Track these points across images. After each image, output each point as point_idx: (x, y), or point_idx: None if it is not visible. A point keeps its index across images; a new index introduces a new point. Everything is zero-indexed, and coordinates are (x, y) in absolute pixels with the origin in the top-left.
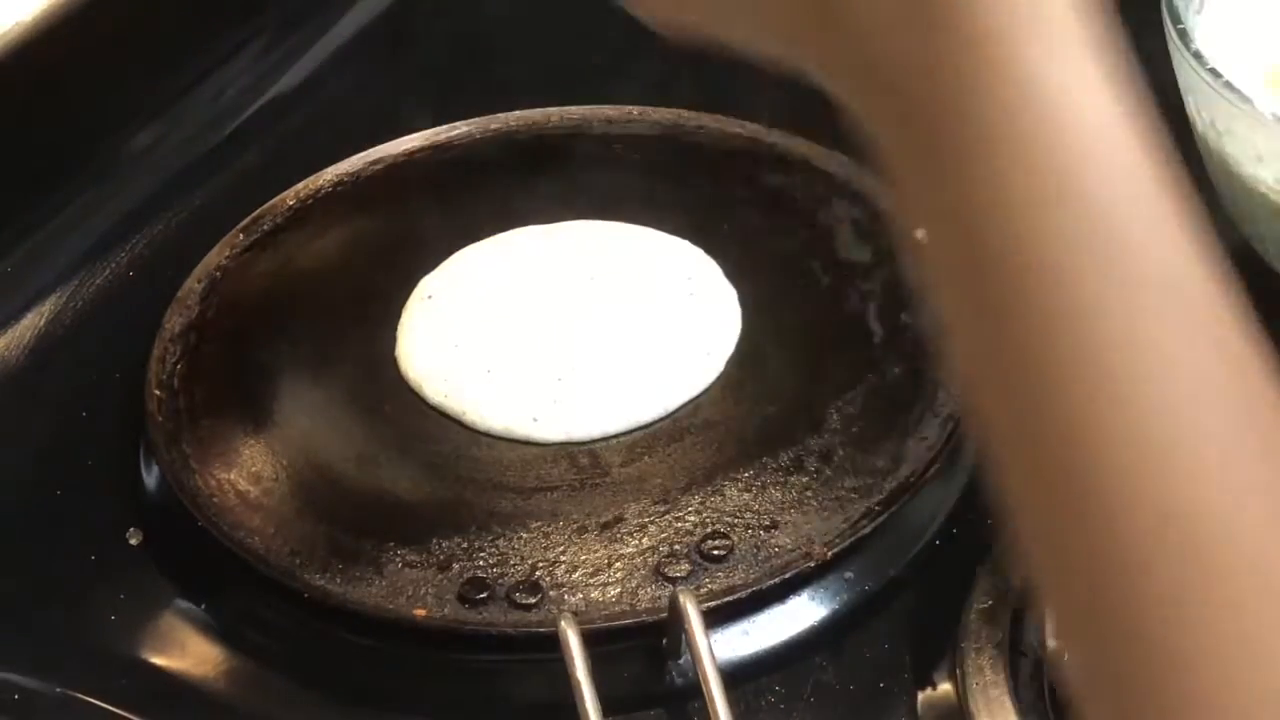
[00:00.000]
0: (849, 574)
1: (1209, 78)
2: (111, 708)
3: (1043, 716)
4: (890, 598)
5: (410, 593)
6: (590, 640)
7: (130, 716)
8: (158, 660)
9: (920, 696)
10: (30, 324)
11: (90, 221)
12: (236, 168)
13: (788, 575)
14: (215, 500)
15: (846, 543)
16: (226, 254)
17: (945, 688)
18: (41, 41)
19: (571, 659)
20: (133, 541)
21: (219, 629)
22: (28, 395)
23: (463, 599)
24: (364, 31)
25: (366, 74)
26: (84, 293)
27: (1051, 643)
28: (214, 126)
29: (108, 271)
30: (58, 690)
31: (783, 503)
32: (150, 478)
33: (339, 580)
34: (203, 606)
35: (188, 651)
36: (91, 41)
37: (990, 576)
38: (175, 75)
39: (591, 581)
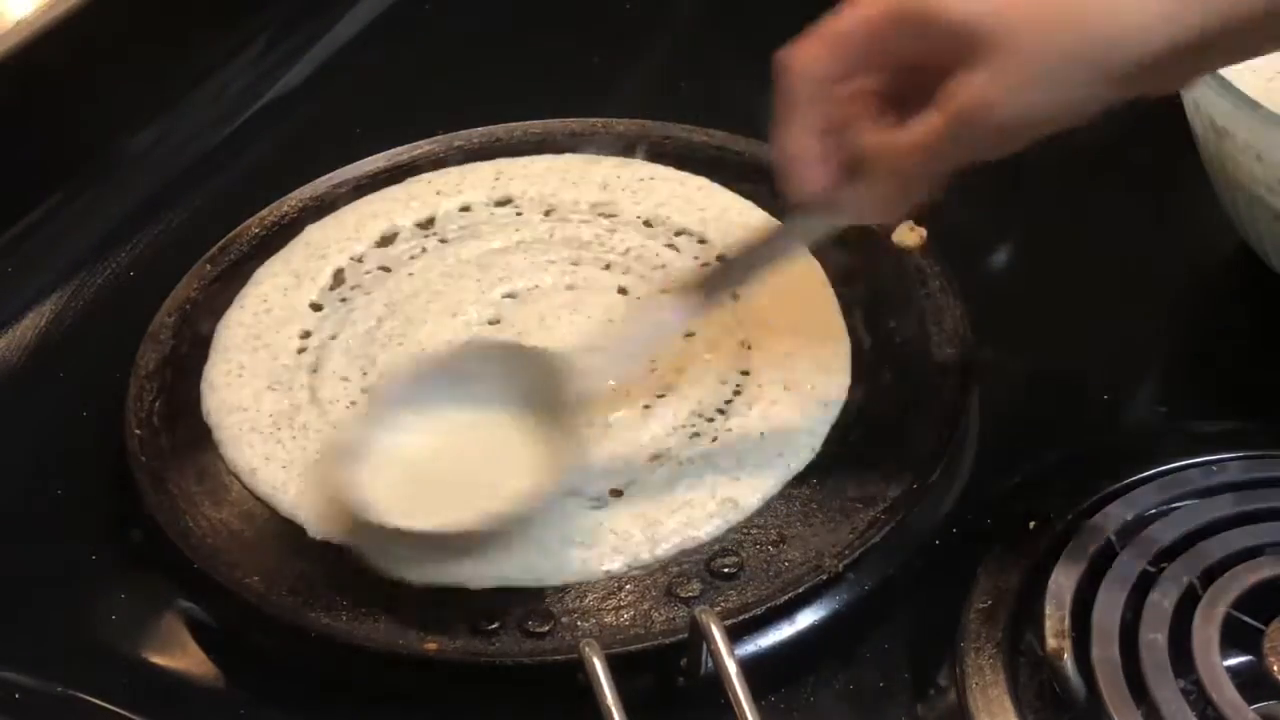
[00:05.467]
0: (849, 575)
1: (1209, 79)
2: (111, 708)
3: (1043, 716)
4: (890, 598)
5: (419, 627)
6: (609, 664)
7: (130, 716)
8: (158, 660)
9: (920, 696)
10: (30, 324)
11: (90, 221)
12: (236, 168)
13: (801, 590)
14: (209, 541)
15: (856, 554)
16: (195, 285)
17: (945, 688)
18: (41, 41)
19: (599, 684)
20: (133, 541)
21: (219, 629)
22: (28, 395)
23: (474, 630)
24: (364, 32)
25: (366, 75)
26: (84, 293)
27: (1051, 642)
28: (214, 127)
29: (108, 271)
30: (58, 690)
31: (788, 516)
32: (138, 528)
33: (345, 617)
34: (203, 606)
35: (188, 651)
36: (91, 41)
37: (990, 576)
38: (175, 75)
39: (603, 606)
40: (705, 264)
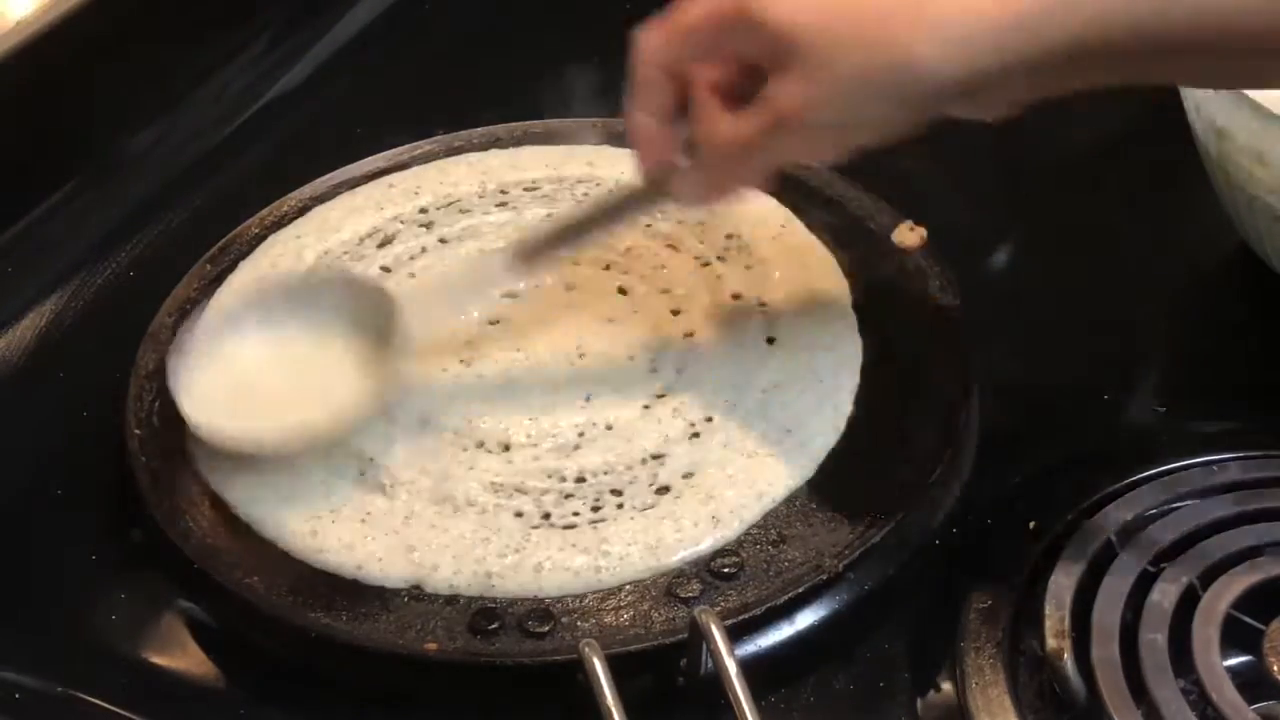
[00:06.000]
0: (849, 575)
1: None
2: (111, 708)
3: (1043, 716)
4: (890, 598)
5: (419, 627)
6: (609, 664)
7: (130, 716)
8: (158, 660)
9: (920, 696)
10: (30, 324)
11: (90, 221)
12: (236, 168)
13: (801, 590)
14: (209, 541)
15: (856, 554)
16: (195, 285)
17: (945, 688)
18: (41, 41)
19: (599, 684)
20: (133, 541)
21: (219, 629)
22: (28, 395)
23: (473, 630)
24: (364, 32)
25: (366, 75)
26: (84, 293)
27: (1051, 642)
28: (214, 127)
29: (108, 271)
30: (58, 690)
31: (788, 516)
32: (138, 527)
33: (345, 617)
34: (203, 606)
35: (188, 651)
36: (91, 41)
37: (990, 576)
38: (175, 75)
39: (603, 606)
40: (706, 264)
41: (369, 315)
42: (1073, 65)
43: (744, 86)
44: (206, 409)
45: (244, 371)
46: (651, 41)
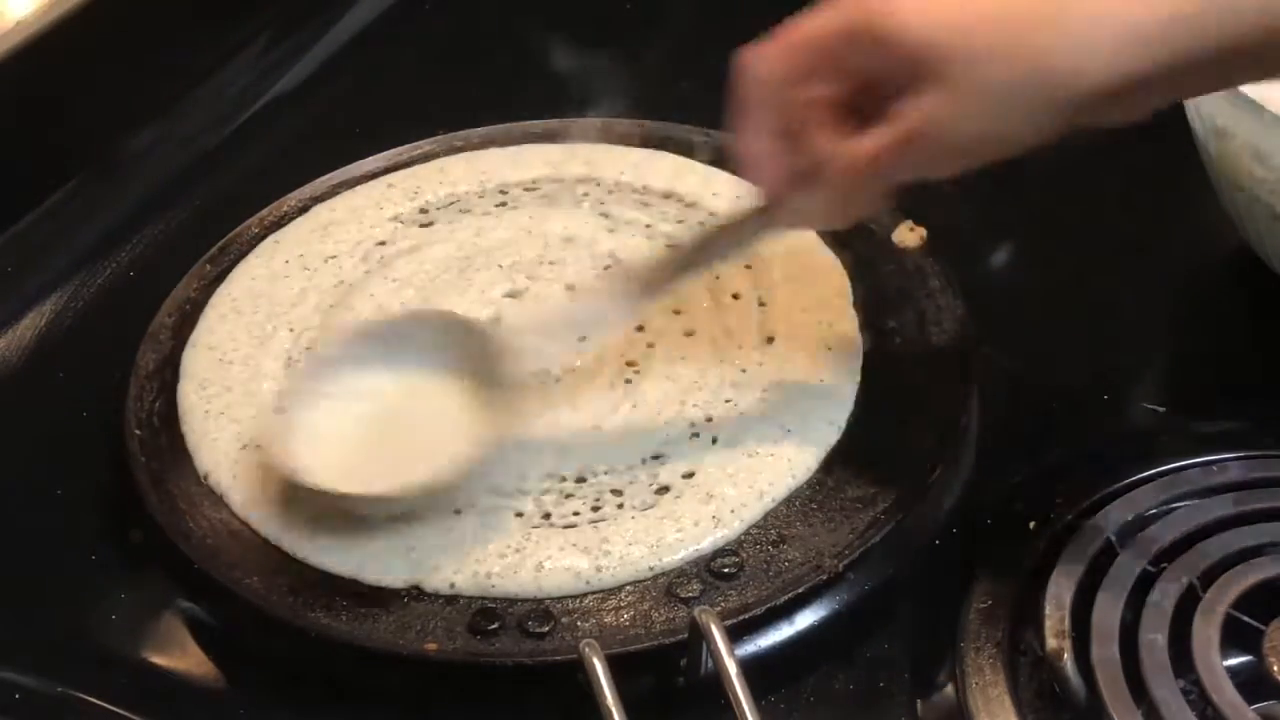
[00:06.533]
0: (849, 574)
1: None
2: (111, 708)
3: (1043, 716)
4: (890, 598)
5: (419, 627)
6: (609, 665)
7: (130, 716)
8: (158, 660)
9: (920, 696)
10: (30, 324)
11: (90, 221)
12: (236, 168)
13: (801, 590)
14: (209, 541)
15: (856, 554)
16: (195, 285)
17: (945, 688)
18: (41, 41)
19: (599, 685)
20: (133, 541)
21: (219, 629)
22: (28, 395)
23: (473, 630)
24: (364, 32)
25: (366, 75)
26: (84, 293)
27: (1051, 642)
28: (214, 127)
29: (108, 271)
30: (58, 690)
31: (788, 516)
32: (138, 527)
33: (345, 617)
34: (203, 606)
35: (188, 651)
36: (91, 41)
37: (990, 576)
38: (175, 75)
39: (603, 606)
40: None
41: (472, 354)
42: (1225, 65)
43: (858, 102)
44: (320, 472)
45: (348, 425)
46: (764, 60)
